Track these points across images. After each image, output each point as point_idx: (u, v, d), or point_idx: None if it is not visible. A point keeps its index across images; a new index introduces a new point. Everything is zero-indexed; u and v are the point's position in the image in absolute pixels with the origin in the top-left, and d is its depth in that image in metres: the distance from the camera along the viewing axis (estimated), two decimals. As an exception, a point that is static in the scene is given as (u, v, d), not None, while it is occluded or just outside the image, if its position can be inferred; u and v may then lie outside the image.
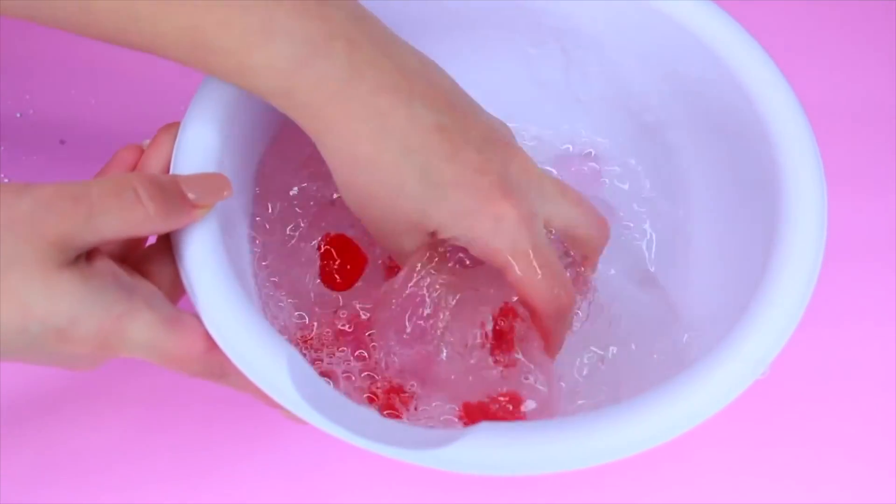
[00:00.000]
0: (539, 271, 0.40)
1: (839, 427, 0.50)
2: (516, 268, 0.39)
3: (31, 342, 0.33)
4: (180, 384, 0.50)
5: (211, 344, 0.36)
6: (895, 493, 0.48)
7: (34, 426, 0.49)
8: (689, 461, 0.49)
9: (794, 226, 0.40)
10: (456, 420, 0.42)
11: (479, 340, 0.42)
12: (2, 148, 0.57)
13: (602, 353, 0.45)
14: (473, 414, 0.41)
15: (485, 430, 0.35)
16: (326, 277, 0.46)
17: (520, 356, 0.42)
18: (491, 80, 0.49)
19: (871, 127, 0.59)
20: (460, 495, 0.48)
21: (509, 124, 0.44)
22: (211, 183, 0.37)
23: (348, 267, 0.46)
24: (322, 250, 0.46)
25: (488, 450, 0.34)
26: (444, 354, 0.41)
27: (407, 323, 0.41)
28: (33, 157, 0.57)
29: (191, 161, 0.39)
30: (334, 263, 0.46)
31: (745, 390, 0.36)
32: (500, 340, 0.42)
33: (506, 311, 0.42)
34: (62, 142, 0.57)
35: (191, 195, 0.36)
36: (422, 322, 0.41)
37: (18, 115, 0.59)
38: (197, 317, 0.36)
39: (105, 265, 0.35)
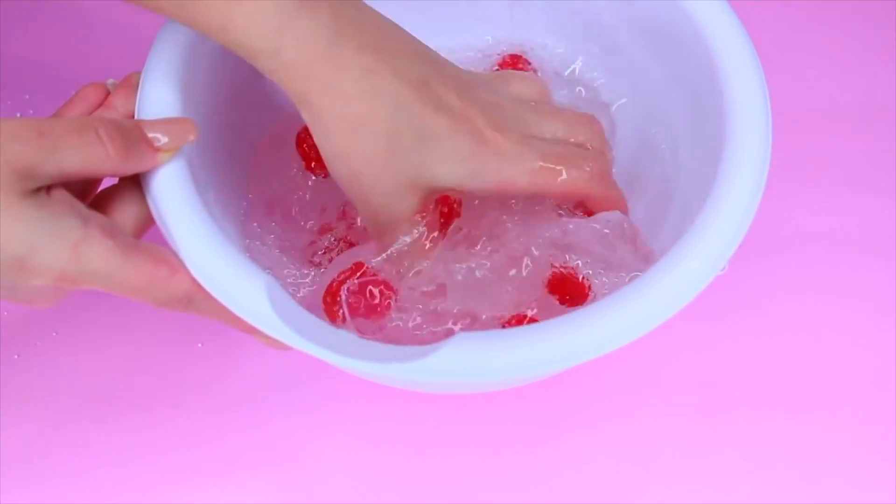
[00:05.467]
0: (559, 168, 0.43)
1: (839, 427, 0.50)
2: (540, 182, 0.42)
3: None
4: (179, 384, 0.51)
5: (174, 270, 0.36)
6: (895, 493, 0.49)
7: (34, 425, 0.50)
8: (688, 461, 0.49)
9: (741, 133, 0.41)
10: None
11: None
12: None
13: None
14: None
15: (460, 339, 0.36)
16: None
17: None
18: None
19: (871, 127, 0.60)
20: (459, 495, 0.49)
21: None
22: (175, 127, 0.38)
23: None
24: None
25: (467, 356, 0.35)
26: None
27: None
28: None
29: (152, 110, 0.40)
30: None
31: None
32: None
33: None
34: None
35: (155, 138, 0.37)
36: None
37: (18, 115, 0.59)
38: (157, 244, 0.37)
39: (62, 195, 0.35)
